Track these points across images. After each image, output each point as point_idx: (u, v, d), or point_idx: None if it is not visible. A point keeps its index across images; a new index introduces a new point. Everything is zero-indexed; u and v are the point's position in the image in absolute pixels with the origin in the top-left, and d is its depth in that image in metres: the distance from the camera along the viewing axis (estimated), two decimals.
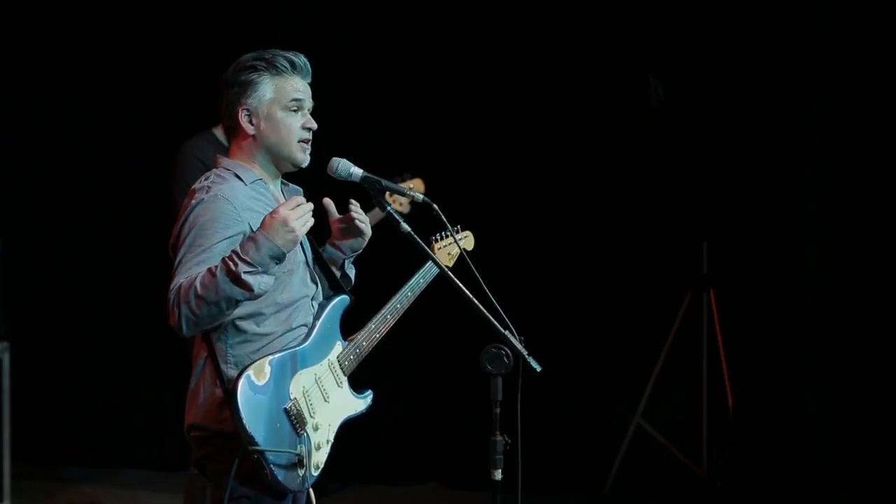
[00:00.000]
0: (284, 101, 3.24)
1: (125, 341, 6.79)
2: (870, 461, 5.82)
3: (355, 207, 3.42)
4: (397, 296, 3.50)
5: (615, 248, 6.29)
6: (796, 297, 5.94)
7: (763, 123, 6.02)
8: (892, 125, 5.80)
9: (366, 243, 3.48)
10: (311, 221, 3.10)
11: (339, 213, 3.47)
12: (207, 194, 3.16)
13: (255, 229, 3.13)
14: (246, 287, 2.99)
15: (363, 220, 3.43)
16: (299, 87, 3.27)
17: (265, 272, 3.03)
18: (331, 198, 4.80)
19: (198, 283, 3.01)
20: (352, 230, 3.44)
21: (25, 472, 6.37)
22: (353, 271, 3.55)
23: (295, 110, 3.26)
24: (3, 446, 5.94)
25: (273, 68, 3.24)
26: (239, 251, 3.01)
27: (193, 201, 3.16)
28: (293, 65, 3.26)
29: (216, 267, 3.02)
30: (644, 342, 6.19)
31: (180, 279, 3.05)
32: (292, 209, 3.05)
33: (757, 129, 6.04)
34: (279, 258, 3.05)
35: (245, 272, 2.98)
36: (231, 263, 2.99)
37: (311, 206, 3.10)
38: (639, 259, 6.27)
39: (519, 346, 3.15)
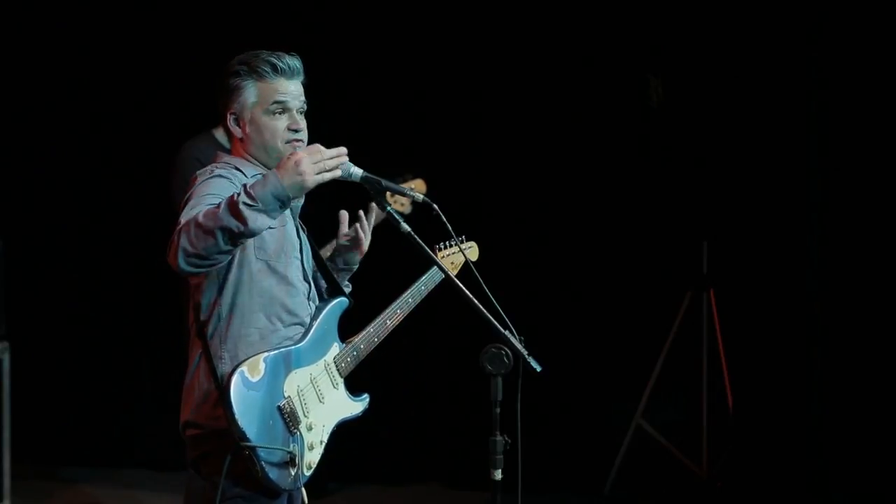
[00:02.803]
0: (266, 105, 3.24)
1: (125, 341, 6.78)
2: (870, 461, 5.82)
3: (364, 218, 3.48)
4: (398, 301, 3.51)
5: (615, 249, 6.28)
6: (796, 297, 5.94)
7: (763, 123, 6.02)
8: (892, 125, 5.79)
9: (359, 260, 3.52)
10: (329, 173, 2.99)
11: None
12: (211, 174, 3.18)
13: None
14: (241, 218, 2.90)
15: (366, 233, 3.49)
16: (282, 89, 3.25)
17: (265, 212, 2.94)
18: (330, 198, 4.80)
19: (200, 214, 2.96)
20: (352, 243, 3.49)
21: (25, 472, 6.37)
22: (349, 288, 3.56)
23: (279, 112, 3.25)
24: (3, 446, 5.94)
25: (255, 73, 3.24)
26: (247, 185, 2.96)
27: (198, 182, 3.17)
28: (275, 67, 3.25)
29: (222, 201, 2.97)
30: (644, 342, 6.19)
31: (186, 217, 3.00)
32: (310, 152, 2.98)
33: (757, 130, 6.03)
34: (283, 200, 2.96)
35: (244, 202, 2.91)
36: (235, 194, 2.95)
37: (340, 150, 3.01)
38: (639, 259, 6.27)
39: (519, 346, 3.15)
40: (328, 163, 2.99)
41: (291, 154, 3.00)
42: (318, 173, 2.97)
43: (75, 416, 6.87)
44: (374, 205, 3.41)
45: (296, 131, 3.27)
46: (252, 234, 2.95)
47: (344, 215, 3.54)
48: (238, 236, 2.94)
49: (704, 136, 6.10)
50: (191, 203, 3.08)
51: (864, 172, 5.84)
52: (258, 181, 2.98)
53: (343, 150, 3.03)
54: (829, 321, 5.88)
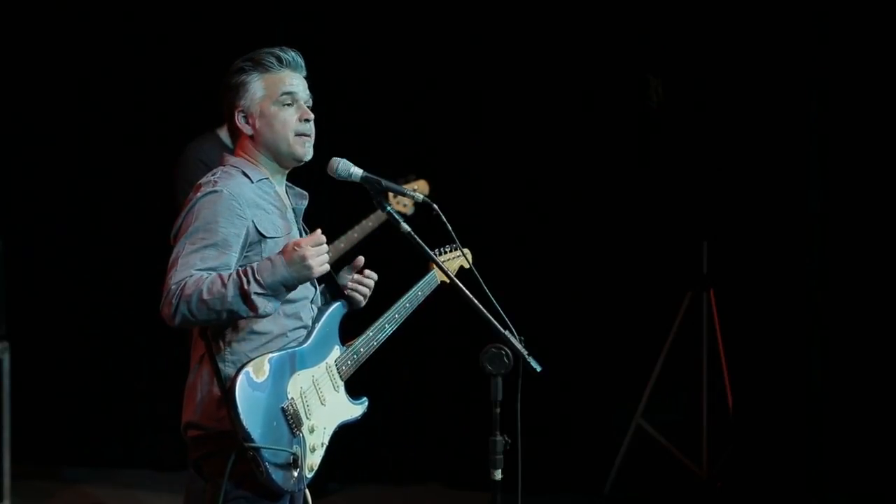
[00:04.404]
0: (276, 96, 3.26)
1: (125, 341, 6.79)
2: (870, 461, 5.82)
3: (363, 279, 3.47)
4: (396, 306, 3.50)
5: (615, 249, 6.29)
6: (796, 296, 5.94)
7: (763, 123, 6.02)
8: (892, 124, 5.79)
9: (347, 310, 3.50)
10: (328, 266, 3.10)
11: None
12: (213, 188, 3.17)
13: (258, 227, 3.17)
14: (252, 307, 3.03)
15: (363, 293, 3.47)
16: (289, 80, 3.28)
17: (275, 297, 3.05)
18: (331, 197, 4.80)
19: (204, 288, 3.01)
20: (351, 296, 3.48)
21: (25, 472, 6.37)
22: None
23: (289, 104, 3.27)
24: (3, 446, 5.94)
25: (260, 66, 3.27)
26: (255, 270, 3.03)
27: (198, 194, 3.17)
28: (280, 60, 3.28)
29: (227, 277, 3.03)
30: (644, 342, 6.19)
31: (183, 274, 3.05)
32: (314, 247, 3.06)
33: (757, 130, 6.04)
34: (291, 288, 3.08)
35: (255, 293, 3.02)
36: (244, 280, 3.02)
37: (327, 248, 3.10)
38: (639, 259, 6.27)
39: (519, 346, 3.15)
40: (326, 256, 3.09)
41: (296, 246, 3.05)
42: (321, 266, 3.07)
43: (75, 416, 6.87)
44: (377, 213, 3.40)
45: (307, 121, 3.28)
46: (262, 317, 3.11)
47: (360, 260, 3.52)
48: (245, 317, 3.07)
49: (704, 137, 6.10)
50: (187, 242, 3.09)
51: (864, 172, 5.84)
52: (266, 267, 3.04)
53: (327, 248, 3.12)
54: (829, 321, 5.88)
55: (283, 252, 3.07)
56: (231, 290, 3.01)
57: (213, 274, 3.05)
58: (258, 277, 3.03)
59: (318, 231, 3.11)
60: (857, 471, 5.84)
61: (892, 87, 5.77)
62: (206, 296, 3.01)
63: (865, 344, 5.85)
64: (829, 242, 5.88)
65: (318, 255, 3.06)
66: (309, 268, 3.04)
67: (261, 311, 3.05)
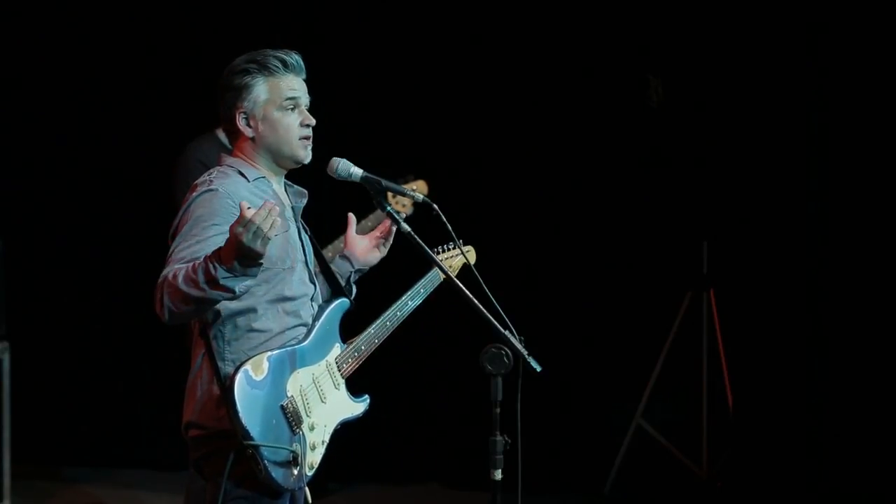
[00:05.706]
0: (280, 101, 3.26)
1: (125, 341, 6.79)
2: (870, 461, 5.82)
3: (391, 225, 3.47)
4: (398, 303, 3.51)
5: (615, 249, 6.29)
6: (796, 297, 5.94)
7: (763, 123, 6.02)
8: (892, 124, 5.79)
9: (376, 262, 3.53)
10: (276, 222, 2.90)
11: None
12: (208, 188, 3.17)
13: None
14: (225, 290, 2.94)
15: (389, 241, 3.50)
16: (293, 85, 3.28)
17: (243, 274, 2.95)
18: (331, 198, 4.80)
19: (181, 278, 2.97)
20: (377, 248, 3.50)
21: (25, 472, 6.37)
22: (355, 290, 3.56)
23: (291, 108, 3.27)
24: (3, 446, 5.94)
25: (265, 69, 3.26)
26: (219, 256, 2.93)
27: (194, 194, 3.18)
28: (285, 63, 3.27)
29: (198, 265, 2.95)
30: (644, 342, 6.19)
31: (170, 269, 3.04)
32: (256, 210, 2.89)
33: (757, 130, 6.04)
34: (249, 256, 2.91)
35: (224, 277, 2.92)
36: (211, 267, 2.92)
37: (277, 210, 2.92)
38: (639, 259, 6.27)
39: (519, 346, 3.16)
40: (273, 217, 2.89)
41: (231, 227, 2.91)
42: (270, 228, 2.88)
43: (75, 416, 6.87)
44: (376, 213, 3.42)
45: (308, 126, 3.28)
46: (241, 295, 3.01)
47: (352, 217, 3.54)
48: (221, 301, 3.01)
49: (704, 137, 6.10)
50: (181, 240, 3.09)
51: (864, 172, 5.84)
52: (224, 246, 2.91)
53: (277, 209, 2.93)
54: (829, 321, 5.88)
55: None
56: (201, 278, 2.94)
57: (190, 264, 2.99)
58: (220, 263, 2.92)
59: (266, 202, 2.92)
60: (857, 471, 5.84)
61: (891, 87, 5.77)
62: (182, 285, 2.96)
63: (865, 344, 5.85)
64: (829, 242, 5.88)
65: (262, 217, 2.86)
66: (259, 233, 2.85)
67: (237, 291, 2.96)
